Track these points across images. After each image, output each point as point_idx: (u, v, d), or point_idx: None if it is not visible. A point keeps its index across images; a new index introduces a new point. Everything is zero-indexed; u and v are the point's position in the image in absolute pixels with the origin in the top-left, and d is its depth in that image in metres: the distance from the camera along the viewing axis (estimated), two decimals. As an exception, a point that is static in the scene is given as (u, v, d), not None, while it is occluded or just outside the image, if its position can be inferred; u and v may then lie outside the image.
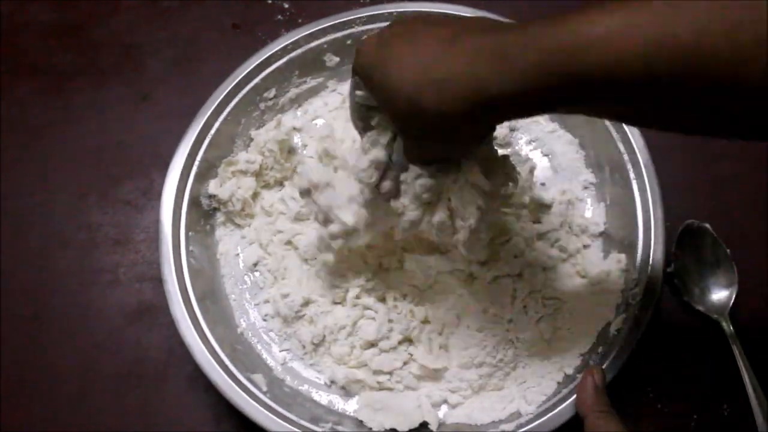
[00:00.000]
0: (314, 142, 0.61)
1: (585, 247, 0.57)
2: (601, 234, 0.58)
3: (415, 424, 0.50)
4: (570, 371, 0.51)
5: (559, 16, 0.34)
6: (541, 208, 0.56)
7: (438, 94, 0.35)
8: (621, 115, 0.38)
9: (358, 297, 0.54)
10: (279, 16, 0.72)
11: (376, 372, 0.52)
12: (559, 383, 0.51)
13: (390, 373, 0.52)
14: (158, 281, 0.54)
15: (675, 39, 0.30)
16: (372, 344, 0.53)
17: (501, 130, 0.62)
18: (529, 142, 0.63)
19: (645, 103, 0.34)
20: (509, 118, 0.38)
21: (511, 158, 0.46)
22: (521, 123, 0.63)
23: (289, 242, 0.58)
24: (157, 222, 0.55)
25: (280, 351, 0.55)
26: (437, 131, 0.37)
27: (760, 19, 0.29)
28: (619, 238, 0.56)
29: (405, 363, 0.53)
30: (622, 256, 0.55)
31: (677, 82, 0.31)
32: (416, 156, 0.42)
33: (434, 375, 0.52)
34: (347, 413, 0.52)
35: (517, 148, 0.62)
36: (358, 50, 0.41)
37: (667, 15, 0.31)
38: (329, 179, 0.49)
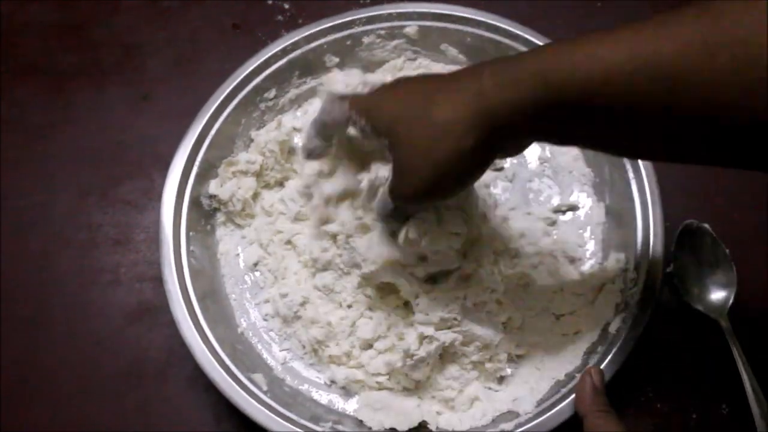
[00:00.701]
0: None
1: (582, 247, 0.58)
2: (601, 234, 0.58)
3: (414, 424, 0.50)
4: (569, 370, 0.52)
5: (557, 40, 0.37)
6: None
7: (449, 104, 0.38)
8: (613, 144, 0.38)
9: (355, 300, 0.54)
10: (279, 17, 0.72)
11: (375, 373, 0.52)
12: (558, 382, 0.51)
13: (389, 373, 0.52)
14: (158, 281, 0.54)
15: (657, 56, 0.31)
16: (370, 344, 0.53)
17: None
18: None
19: (631, 126, 0.34)
20: (508, 139, 0.39)
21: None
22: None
23: (289, 242, 0.58)
24: (157, 222, 0.55)
25: (280, 351, 0.55)
26: (446, 150, 0.38)
27: (741, 41, 0.30)
28: (618, 237, 0.57)
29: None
30: (622, 256, 0.55)
31: (661, 100, 0.32)
32: (414, 193, 0.42)
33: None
34: (347, 413, 0.52)
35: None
36: (366, 97, 0.44)
37: (653, 35, 0.32)
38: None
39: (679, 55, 0.31)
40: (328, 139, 0.49)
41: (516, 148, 0.42)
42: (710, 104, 0.31)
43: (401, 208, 0.45)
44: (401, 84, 0.43)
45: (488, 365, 0.52)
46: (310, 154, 0.50)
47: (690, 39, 0.31)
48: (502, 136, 0.38)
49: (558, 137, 0.39)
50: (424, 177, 0.40)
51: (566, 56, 0.34)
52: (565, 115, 0.35)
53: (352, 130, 0.46)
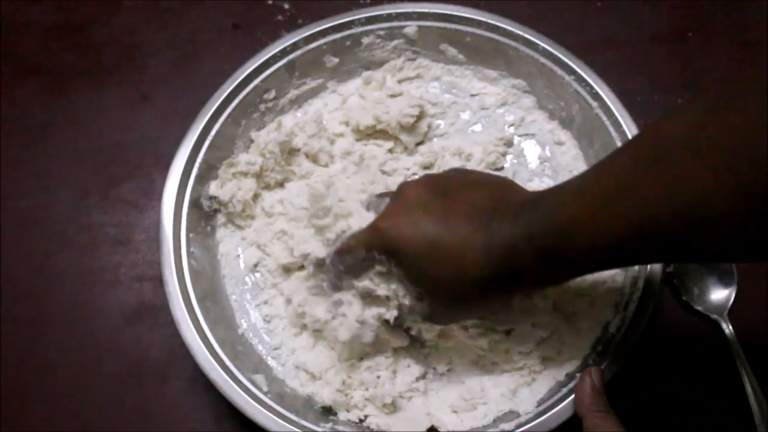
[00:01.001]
0: (309, 139, 0.61)
1: None
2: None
3: (423, 428, 0.50)
4: (569, 370, 0.52)
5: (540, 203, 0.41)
6: None
7: (465, 261, 0.42)
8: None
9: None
10: (279, 17, 0.72)
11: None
12: (558, 382, 0.51)
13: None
14: (158, 281, 0.54)
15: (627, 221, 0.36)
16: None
17: (504, 132, 0.63)
18: (527, 138, 0.63)
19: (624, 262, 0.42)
20: (513, 283, 0.43)
21: None
22: (522, 123, 0.63)
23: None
24: (157, 222, 0.55)
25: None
26: (472, 293, 0.43)
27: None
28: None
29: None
30: (622, 256, 0.55)
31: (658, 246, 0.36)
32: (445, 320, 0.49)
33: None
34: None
35: (516, 145, 0.62)
36: (382, 230, 0.45)
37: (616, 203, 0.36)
38: None
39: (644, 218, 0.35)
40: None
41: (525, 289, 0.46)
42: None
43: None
44: (398, 215, 0.45)
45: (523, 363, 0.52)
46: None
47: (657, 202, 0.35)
48: (507, 283, 0.43)
49: (551, 280, 0.44)
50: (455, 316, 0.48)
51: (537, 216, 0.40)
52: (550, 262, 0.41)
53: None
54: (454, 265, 0.42)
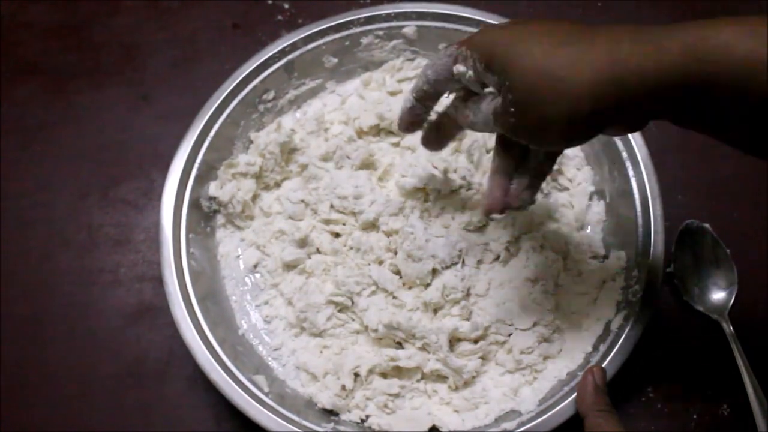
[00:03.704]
0: (310, 137, 0.61)
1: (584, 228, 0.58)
2: (601, 232, 0.58)
3: (425, 428, 0.50)
4: (571, 369, 0.52)
5: (700, 21, 0.34)
6: None
7: (576, 63, 0.34)
8: (739, 136, 0.36)
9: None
10: (279, 17, 0.72)
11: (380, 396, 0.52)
12: (560, 381, 0.51)
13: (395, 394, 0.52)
14: (158, 281, 0.54)
15: None
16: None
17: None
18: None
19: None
20: (627, 113, 0.36)
21: None
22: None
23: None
24: (157, 222, 0.55)
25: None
26: (558, 109, 0.35)
27: None
28: (619, 236, 0.57)
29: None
30: (622, 254, 0.55)
31: None
32: (513, 132, 0.39)
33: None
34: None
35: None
36: (485, 29, 0.40)
37: None
38: None
39: None
40: (428, 106, 0.46)
41: (627, 127, 0.39)
42: None
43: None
44: (524, 23, 0.39)
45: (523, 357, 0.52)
46: (406, 124, 0.46)
47: None
48: (623, 109, 0.35)
49: (680, 118, 0.36)
50: (529, 126, 0.37)
51: (717, 34, 0.33)
52: (711, 97, 0.33)
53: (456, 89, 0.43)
54: (568, 83, 0.35)
